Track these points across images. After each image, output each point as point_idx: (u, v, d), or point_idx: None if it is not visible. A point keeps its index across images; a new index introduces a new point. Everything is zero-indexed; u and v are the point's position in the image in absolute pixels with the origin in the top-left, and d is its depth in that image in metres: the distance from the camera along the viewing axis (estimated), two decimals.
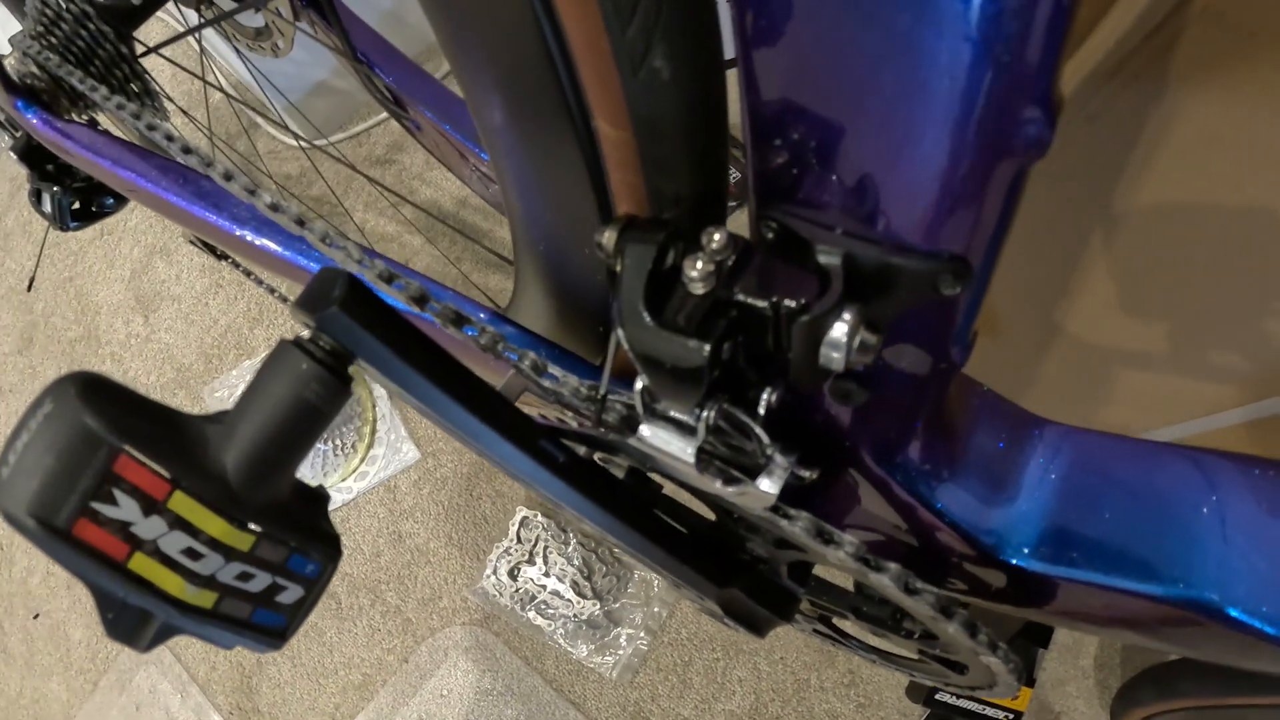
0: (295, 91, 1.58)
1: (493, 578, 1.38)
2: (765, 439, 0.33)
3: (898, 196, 0.28)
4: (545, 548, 1.37)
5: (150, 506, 0.32)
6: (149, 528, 0.32)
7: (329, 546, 0.39)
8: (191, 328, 1.71)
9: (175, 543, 0.33)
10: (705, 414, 0.33)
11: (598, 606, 1.33)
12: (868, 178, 0.28)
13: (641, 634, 1.32)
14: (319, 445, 1.49)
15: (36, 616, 1.67)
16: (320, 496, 0.40)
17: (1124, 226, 0.76)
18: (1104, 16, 0.66)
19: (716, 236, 0.29)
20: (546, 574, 1.36)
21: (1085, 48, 0.66)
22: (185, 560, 0.33)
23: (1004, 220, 0.27)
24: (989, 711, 1.12)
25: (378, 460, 1.52)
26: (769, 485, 0.34)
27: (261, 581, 0.36)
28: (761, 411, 0.33)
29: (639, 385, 0.34)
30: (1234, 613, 0.38)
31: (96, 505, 0.30)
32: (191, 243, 1.34)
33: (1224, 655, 0.43)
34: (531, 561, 1.37)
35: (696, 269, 0.29)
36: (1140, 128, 0.69)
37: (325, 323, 0.34)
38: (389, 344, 0.34)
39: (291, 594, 0.38)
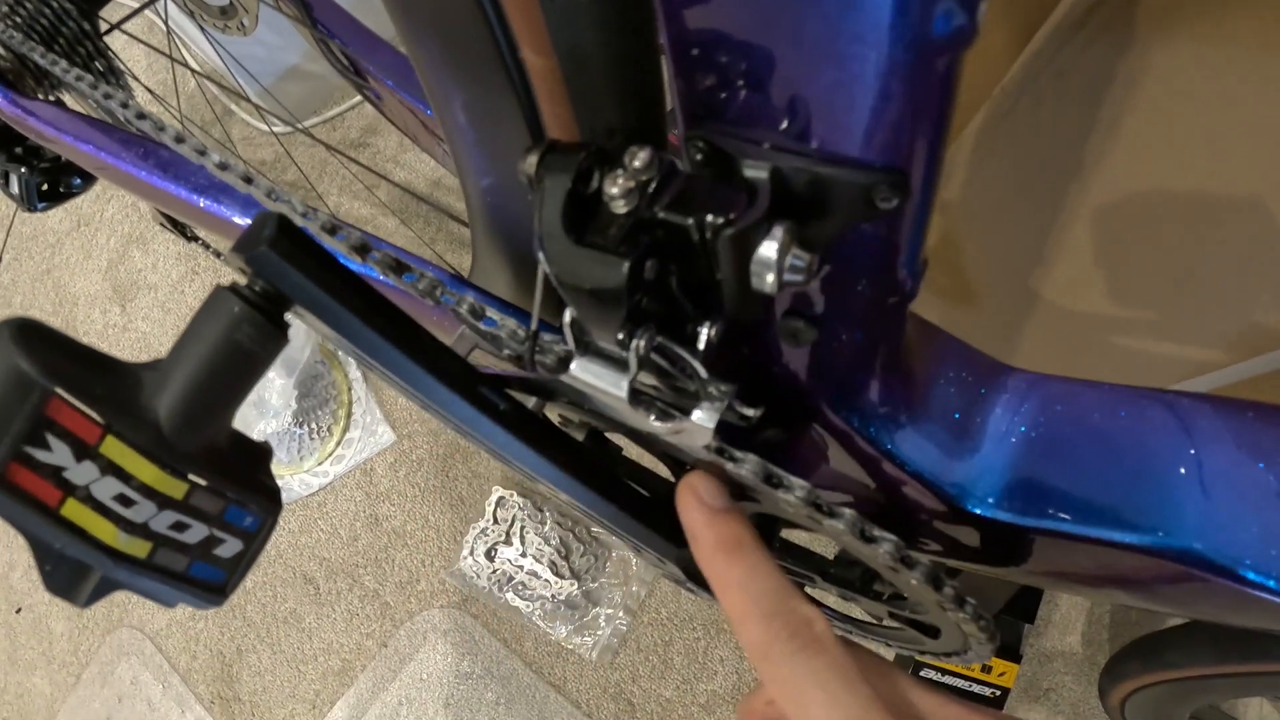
0: (268, 76, 1.56)
1: (470, 559, 1.38)
2: (700, 370, 0.32)
3: (819, 103, 0.26)
4: (522, 528, 1.36)
5: (82, 451, 0.31)
6: (81, 473, 0.31)
7: (268, 500, 0.38)
8: (168, 316, 1.70)
9: (107, 489, 0.32)
10: (635, 343, 0.32)
11: (576, 586, 1.32)
12: (787, 84, 0.26)
13: (620, 614, 1.31)
14: (295, 429, 1.48)
15: (19, 611, 1.66)
16: (263, 450, 0.40)
17: (1098, 187, 0.76)
18: None
19: (640, 155, 0.28)
20: (524, 554, 1.35)
21: None
22: (118, 507, 0.33)
23: (940, 125, 0.26)
24: (976, 689, 1.12)
25: (353, 443, 1.51)
26: (703, 417, 0.33)
27: (198, 533, 0.36)
28: (701, 347, 0.32)
29: (568, 317, 0.33)
30: (1216, 559, 0.37)
31: (29, 449, 0.30)
32: (161, 224, 1.33)
33: (1215, 612, 0.42)
34: (509, 542, 1.37)
35: (617, 186, 0.27)
36: (1109, 83, 0.69)
37: (255, 262, 0.33)
38: (320, 283, 0.33)
39: (230, 547, 0.37)
